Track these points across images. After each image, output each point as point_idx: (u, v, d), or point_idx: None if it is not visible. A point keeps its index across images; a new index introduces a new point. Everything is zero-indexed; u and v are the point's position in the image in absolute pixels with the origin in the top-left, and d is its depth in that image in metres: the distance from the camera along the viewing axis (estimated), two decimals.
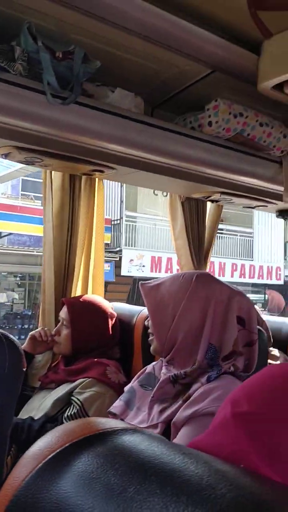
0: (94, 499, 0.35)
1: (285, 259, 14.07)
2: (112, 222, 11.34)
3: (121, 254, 11.06)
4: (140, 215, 11.38)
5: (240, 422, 0.42)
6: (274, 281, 13.59)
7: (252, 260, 12.94)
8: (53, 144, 1.37)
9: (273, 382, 0.45)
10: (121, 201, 11.19)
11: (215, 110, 1.46)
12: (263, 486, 0.32)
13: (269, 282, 13.56)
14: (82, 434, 0.42)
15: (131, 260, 11.01)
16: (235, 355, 1.09)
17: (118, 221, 11.33)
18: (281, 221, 12.38)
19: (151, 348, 1.21)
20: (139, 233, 11.34)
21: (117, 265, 10.98)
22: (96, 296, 1.85)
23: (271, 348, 2.10)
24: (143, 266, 11.08)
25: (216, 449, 0.41)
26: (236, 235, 12.80)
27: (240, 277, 12.58)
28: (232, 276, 12.33)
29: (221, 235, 12.53)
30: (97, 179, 1.97)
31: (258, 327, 1.20)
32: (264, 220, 12.89)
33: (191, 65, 1.42)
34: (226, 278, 11.88)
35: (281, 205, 2.02)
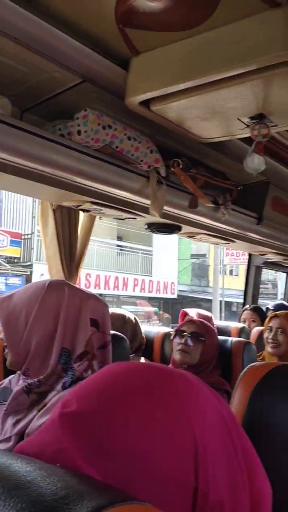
0: None
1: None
2: (23, 237, 11.42)
3: (32, 268, 11.23)
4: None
5: (65, 422, 0.41)
6: (169, 295, 14.74)
7: (151, 276, 14.05)
8: None
9: (104, 381, 0.45)
10: (33, 216, 11.23)
11: (84, 120, 1.47)
12: (71, 481, 0.32)
13: (165, 295, 14.66)
14: None
15: (42, 274, 11.09)
16: (88, 355, 1.09)
17: (29, 236, 11.44)
18: (175, 240, 13.24)
19: (7, 361, 1.16)
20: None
21: (28, 279, 11.14)
22: None
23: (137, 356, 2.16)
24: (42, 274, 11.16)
25: (41, 449, 0.40)
26: (138, 252, 13.82)
27: (141, 291, 13.58)
28: (134, 290, 13.26)
29: (123, 252, 13.53)
30: None
31: (117, 333, 1.23)
32: (162, 239, 13.71)
33: (61, 72, 1.41)
34: (129, 292, 12.87)
35: (149, 218, 2.10)
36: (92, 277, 12.07)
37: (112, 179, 1.66)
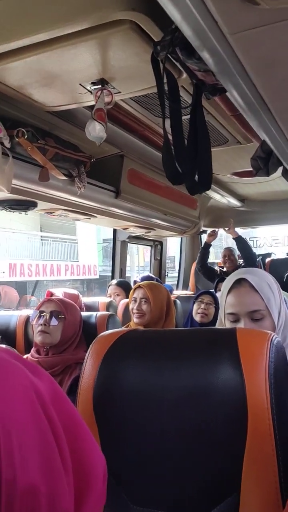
0: None
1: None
2: None
3: None
4: None
5: None
6: (92, 276, 16.88)
7: (78, 261, 16.22)
8: None
9: None
10: None
11: None
12: None
13: (90, 277, 16.75)
14: None
15: None
16: None
17: None
18: (94, 228, 15.10)
19: None
20: None
21: None
22: None
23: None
24: (3, 272, 12.94)
25: None
26: (66, 241, 15.96)
27: (71, 275, 15.63)
28: (65, 275, 15.24)
29: (55, 242, 15.61)
30: None
31: None
32: (82, 228, 15.92)
33: None
34: (62, 277, 14.89)
35: (1, 194, 1.95)
36: (33, 266, 13.92)
37: None
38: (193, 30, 0.84)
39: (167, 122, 1.19)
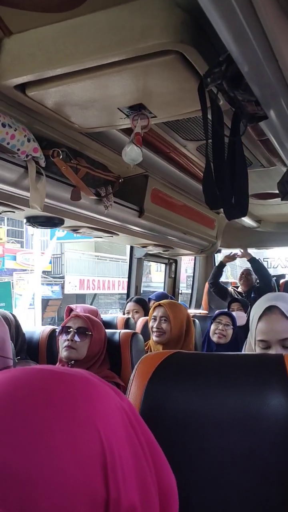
0: None
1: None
2: (52, 256, 15.41)
3: (64, 279, 15.58)
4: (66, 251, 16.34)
5: None
6: None
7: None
8: None
9: None
10: (61, 243, 15.43)
11: None
12: None
13: None
14: None
15: (70, 282, 15.70)
16: None
17: (60, 255, 16.19)
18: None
19: None
20: (69, 263, 16.32)
21: (63, 286, 15.55)
22: None
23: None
24: (75, 286, 15.81)
25: None
26: (118, 261, 18.33)
27: (122, 289, 17.43)
28: (118, 289, 17.72)
29: (111, 261, 18.32)
30: None
31: None
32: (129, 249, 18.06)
33: None
34: (115, 291, 17.74)
35: (28, 211, 1.99)
36: (95, 282, 16.67)
37: None
38: (251, 67, 0.87)
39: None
